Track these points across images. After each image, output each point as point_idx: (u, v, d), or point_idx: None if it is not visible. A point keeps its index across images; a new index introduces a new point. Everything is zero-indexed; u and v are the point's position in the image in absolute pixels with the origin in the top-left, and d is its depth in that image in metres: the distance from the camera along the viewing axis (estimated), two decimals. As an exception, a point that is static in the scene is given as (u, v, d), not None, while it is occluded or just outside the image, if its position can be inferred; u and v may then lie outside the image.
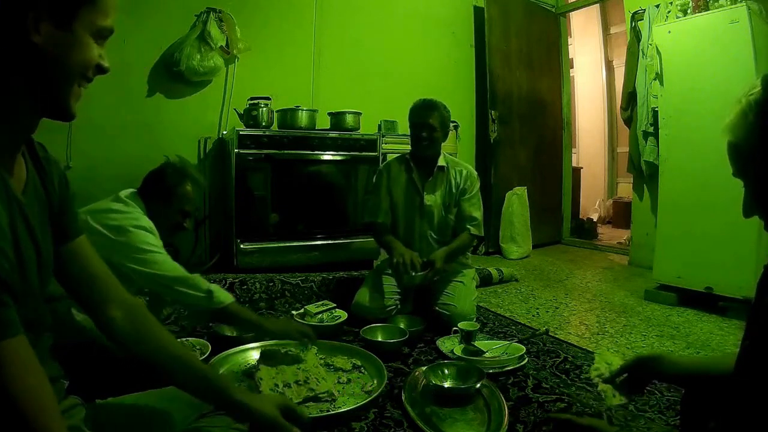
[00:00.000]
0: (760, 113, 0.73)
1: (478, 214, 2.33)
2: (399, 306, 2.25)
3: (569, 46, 4.97)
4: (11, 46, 0.62)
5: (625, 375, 1.07)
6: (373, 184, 2.46)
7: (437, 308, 2.19)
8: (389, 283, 2.29)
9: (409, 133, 3.31)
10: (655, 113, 3.20)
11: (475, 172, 2.41)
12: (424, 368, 1.59)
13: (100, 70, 0.69)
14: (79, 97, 0.69)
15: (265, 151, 2.89)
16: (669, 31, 2.73)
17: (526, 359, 1.78)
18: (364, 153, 3.17)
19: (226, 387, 0.88)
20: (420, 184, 2.34)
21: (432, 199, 2.33)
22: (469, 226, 2.30)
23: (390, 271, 2.34)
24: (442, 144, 2.39)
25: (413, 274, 2.12)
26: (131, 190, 1.64)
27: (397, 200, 2.36)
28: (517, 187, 4.11)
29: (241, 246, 2.84)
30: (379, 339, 1.93)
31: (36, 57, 0.62)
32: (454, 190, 2.32)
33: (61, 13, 0.63)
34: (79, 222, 0.86)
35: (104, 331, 0.87)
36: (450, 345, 1.92)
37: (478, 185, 2.37)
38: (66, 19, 0.63)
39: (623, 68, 3.86)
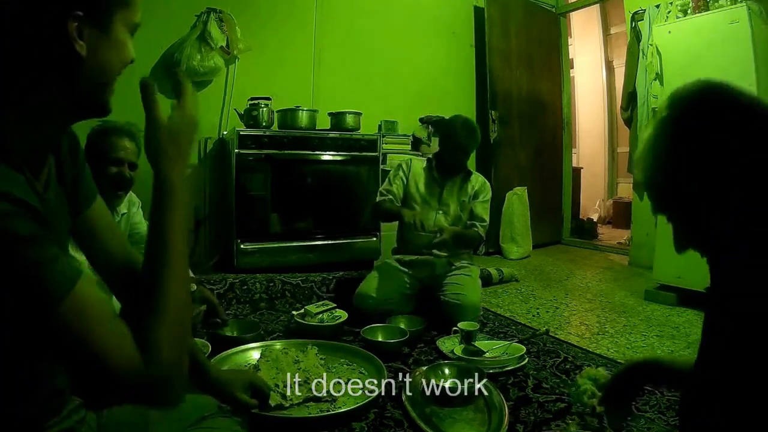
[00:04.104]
0: (673, 137, 0.63)
1: (486, 217, 2.46)
2: (402, 298, 2.31)
3: (569, 46, 4.96)
4: (51, 55, 0.60)
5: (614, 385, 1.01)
6: (391, 174, 2.53)
7: (445, 298, 2.22)
8: (392, 277, 2.34)
9: (410, 134, 3.31)
10: (655, 113, 3.19)
11: (489, 183, 2.54)
12: (424, 368, 1.60)
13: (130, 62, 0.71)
14: (113, 91, 0.71)
15: (266, 152, 2.88)
16: (669, 31, 2.73)
17: (527, 359, 1.79)
18: (364, 153, 3.17)
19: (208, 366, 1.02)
20: (440, 179, 2.47)
21: (449, 193, 2.46)
22: (478, 225, 2.41)
23: (395, 265, 2.41)
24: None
25: (422, 233, 2.20)
26: None
27: (415, 190, 2.46)
28: (518, 188, 4.11)
29: (242, 246, 2.84)
30: (379, 339, 1.93)
31: (78, 63, 0.61)
32: (470, 191, 2.47)
33: (101, 18, 0.62)
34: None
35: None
36: (450, 345, 1.93)
37: (490, 194, 2.51)
38: (106, 23, 0.63)
39: (623, 68, 3.86)
